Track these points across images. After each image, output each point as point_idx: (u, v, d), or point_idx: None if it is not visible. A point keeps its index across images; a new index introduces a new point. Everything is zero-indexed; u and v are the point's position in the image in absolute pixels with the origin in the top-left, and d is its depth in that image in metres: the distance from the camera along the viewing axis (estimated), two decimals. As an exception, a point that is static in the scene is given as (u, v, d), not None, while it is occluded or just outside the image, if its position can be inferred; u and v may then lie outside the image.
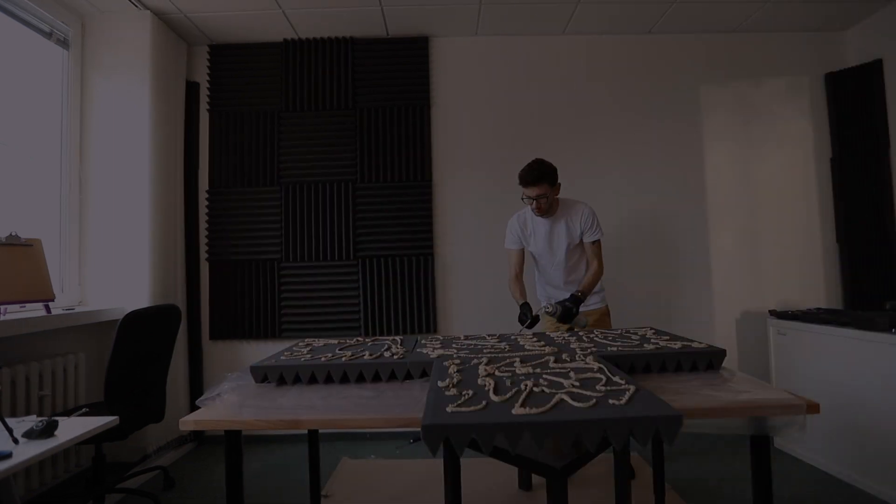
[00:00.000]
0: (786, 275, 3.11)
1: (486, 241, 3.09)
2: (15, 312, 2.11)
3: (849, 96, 3.05)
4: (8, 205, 2.29)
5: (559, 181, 2.23)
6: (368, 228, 3.09)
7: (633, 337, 1.74)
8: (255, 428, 1.18)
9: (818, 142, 3.15)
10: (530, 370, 1.31)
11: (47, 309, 2.20)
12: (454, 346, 1.70)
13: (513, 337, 1.87)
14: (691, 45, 3.17)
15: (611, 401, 1.02)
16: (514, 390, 1.13)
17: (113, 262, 2.64)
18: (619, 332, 1.89)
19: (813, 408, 1.12)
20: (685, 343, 1.57)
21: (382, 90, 3.14)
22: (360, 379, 1.44)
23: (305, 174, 3.11)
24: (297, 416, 1.18)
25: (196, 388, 3.01)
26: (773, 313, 2.77)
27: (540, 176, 2.14)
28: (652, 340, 1.63)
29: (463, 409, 1.02)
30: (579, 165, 3.12)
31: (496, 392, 1.12)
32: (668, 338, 1.68)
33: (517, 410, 0.99)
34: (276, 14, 2.85)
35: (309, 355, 1.58)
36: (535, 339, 1.81)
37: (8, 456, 1.14)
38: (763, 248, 3.12)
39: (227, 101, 3.14)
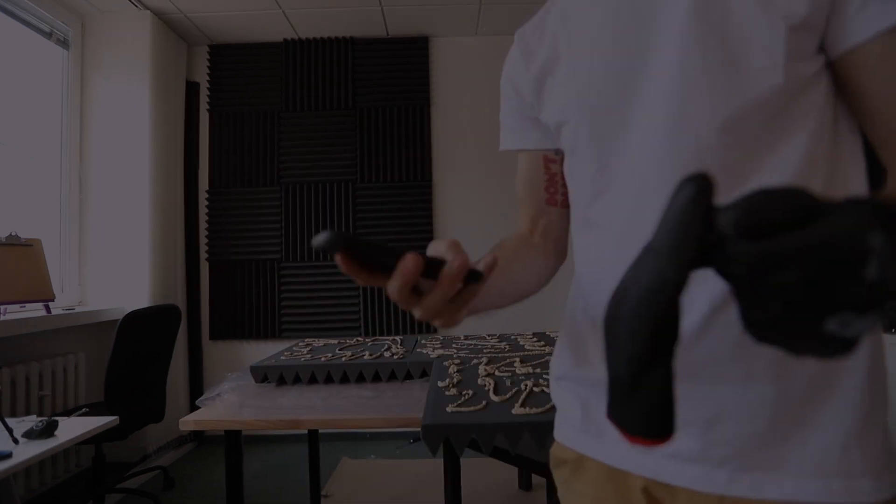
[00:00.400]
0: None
1: (486, 241, 3.07)
2: (15, 312, 2.11)
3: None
4: (8, 205, 2.29)
5: None
6: (369, 228, 3.09)
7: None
8: (255, 428, 1.19)
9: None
10: (530, 370, 1.31)
11: (47, 309, 2.20)
12: (454, 346, 1.70)
13: (513, 337, 1.88)
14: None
15: (611, 401, 1.02)
16: (514, 390, 1.13)
17: (113, 262, 2.64)
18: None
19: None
20: (685, 343, 1.57)
21: (382, 90, 3.14)
22: (360, 379, 1.44)
23: (305, 174, 3.11)
24: (297, 416, 1.18)
25: (196, 388, 3.01)
26: (773, 313, 2.75)
27: None
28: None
29: (463, 409, 1.02)
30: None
31: (496, 392, 1.12)
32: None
33: (517, 410, 1.00)
34: (276, 14, 2.85)
35: (309, 355, 1.58)
36: (534, 339, 1.81)
37: (8, 456, 1.14)
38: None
39: (227, 101, 3.14)
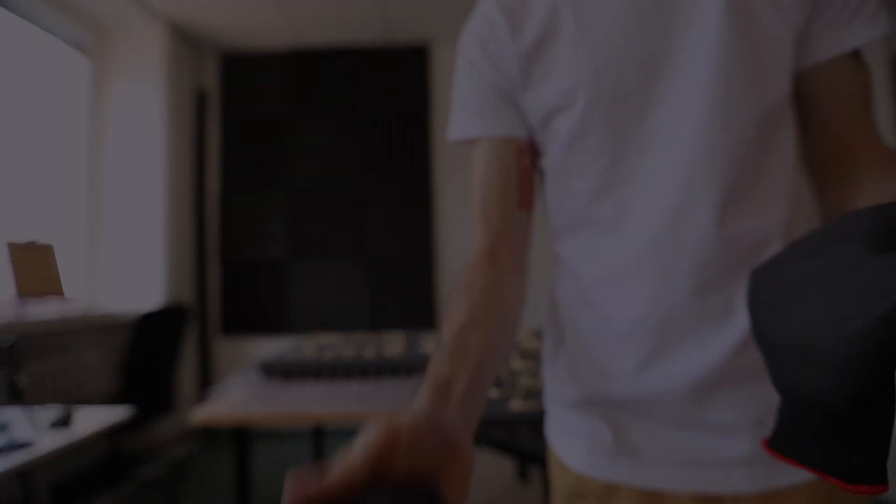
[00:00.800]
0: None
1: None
2: (34, 314, 2.18)
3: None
4: (27, 206, 2.35)
5: None
6: (371, 228, 3.15)
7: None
8: (263, 422, 1.23)
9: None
10: (527, 365, 1.35)
11: (64, 310, 2.27)
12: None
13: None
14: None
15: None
16: (511, 385, 1.16)
17: (127, 263, 2.71)
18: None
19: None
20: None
21: (384, 96, 3.19)
22: (365, 374, 1.49)
23: (311, 177, 3.17)
24: (303, 410, 1.23)
25: (207, 383, 3.07)
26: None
27: None
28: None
29: (461, 402, 1.05)
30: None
31: (494, 387, 1.16)
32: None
33: (514, 405, 1.03)
34: (285, 25, 2.91)
35: (315, 351, 1.63)
36: (533, 335, 1.84)
37: (29, 445, 1.20)
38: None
39: (236, 107, 3.21)
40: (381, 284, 3.12)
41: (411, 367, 1.50)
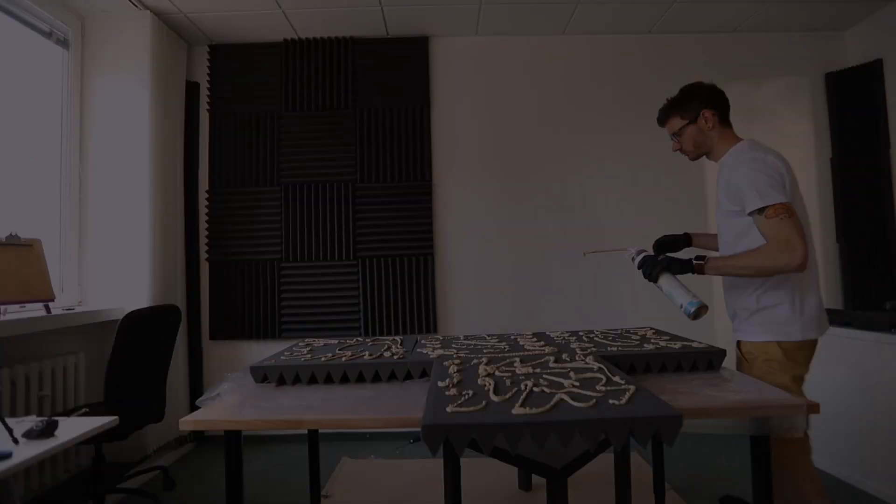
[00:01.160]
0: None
1: (487, 241, 3.09)
2: (15, 312, 2.11)
3: (849, 96, 3.06)
4: (8, 205, 2.29)
5: (712, 109, 1.61)
6: (368, 228, 3.09)
7: (633, 337, 1.74)
8: (255, 428, 1.19)
9: (818, 141, 3.15)
10: (530, 370, 1.31)
11: (47, 309, 2.20)
12: (454, 346, 1.70)
13: (513, 337, 1.87)
14: (691, 46, 3.18)
15: (611, 401, 1.02)
16: (513, 390, 1.13)
17: (113, 262, 2.64)
18: (619, 331, 1.90)
19: (813, 408, 1.12)
20: (685, 343, 1.57)
21: (382, 90, 3.14)
22: (360, 379, 1.44)
23: (305, 174, 3.11)
24: (297, 416, 1.18)
25: (196, 388, 3.01)
26: (773, 313, 2.76)
27: (668, 109, 1.71)
28: (652, 340, 1.63)
29: (463, 409, 1.02)
30: (579, 166, 3.13)
31: (496, 392, 1.12)
32: (668, 338, 1.68)
33: (517, 410, 0.99)
34: (276, 14, 2.85)
35: (309, 355, 1.58)
36: (534, 339, 1.81)
37: (8, 456, 1.14)
38: (763, 248, 3.12)
39: (227, 100, 3.14)
40: (378, 286, 3.07)
41: (408, 372, 1.46)
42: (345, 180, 3.10)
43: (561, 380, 1.20)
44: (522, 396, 1.07)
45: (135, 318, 2.01)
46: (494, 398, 1.08)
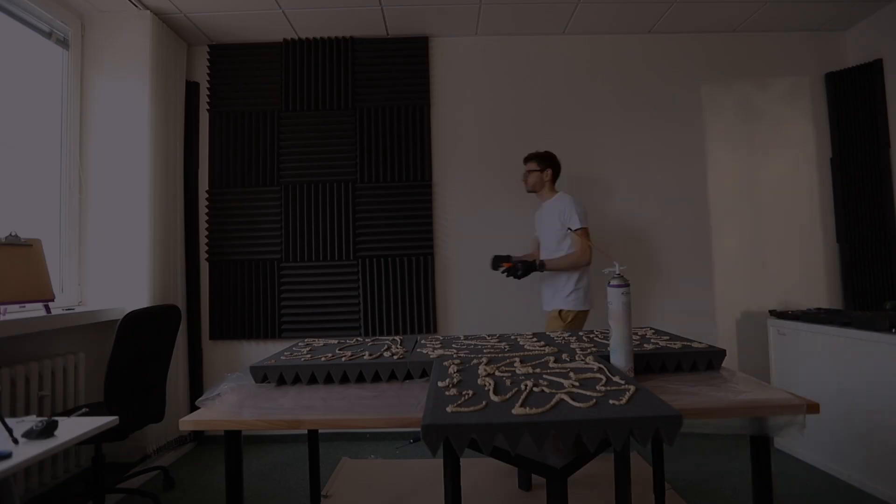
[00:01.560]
0: (786, 275, 3.11)
1: (486, 241, 3.09)
2: (15, 312, 2.11)
3: (849, 96, 3.05)
4: (8, 205, 2.29)
5: (552, 171, 2.61)
6: (368, 228, 3.09)
7: (633, 337, 1.74)
8: (255, 428, 1.18)
9: (818, 141, 3.15)
10: (530, 370, 1.31)
11: (47, 309, 2.20)
12: (454, 346, 1.70)
13: (513, 337, 1.87)
14: (691, 45, 3.18)
15: (611, 401, 1.02)
16: (514, 390, 1.13)
17: (113, 262, 2.64)
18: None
19: (813, 408, 1.12)
20: (685, 343, 1.57)
21: (382, 90, 3.14)
22: (360, 379, 1.44)
23: (305, 174, 3.11)
24: (297, 416, 1.18)
25: (196, 388, 3.01)
26: (774, 313, 2.77)
27: (534, 156, 2.64)
28: (652, 340, 1.63)
29: (463, 409, 1.02)
30: (580, 165, 3.13)
31: (496, 392, 1.12)
32: (667, 338, 1.68)
33: (517, 410, 0.99)
34: (276, 14, 2.85)
35: (309, 355, 1.58)
36: (535, 339, 1.81)
37: (8, 456, 1.14)
38: (763, 247, 3.13)
39: (227, 101, 3.14)
40: (378, 286, 3.07)
41: (407, 372, 1.46)
42: (345, 180, 3.10)
43: (561, 380, 1.20)
44: (522, 396, 1.07)
45: (135, 318, 2.01)
46: (494, 398, 1.08)
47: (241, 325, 3.06)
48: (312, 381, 1.44)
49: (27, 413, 2.03)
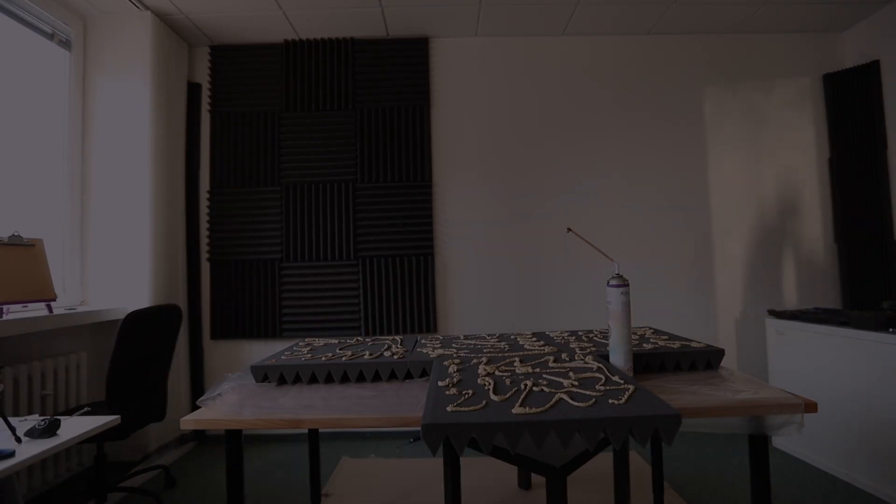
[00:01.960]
0: (784, 274, 3.12)
1: (486, 241, 3.10)
2: (17, 312, 2.12)
3: (847, 97, 3.06)
4: (11, 205, 2.30)
5: None
6: (368, 228, 3.10)
7: (632, 336, 1.75)
8: (255, 427, 1.19)
9: (816, 142, 3.16)
10: (530, 370, 1.32)
11: (49, 309, 2.21)
12: (454, 345, 1.71)
13: (512, 337, 1.88)
14: (690, 46, 3.18)
15: (610, 400, 1.03)
16: (513, 390, 1.14)
17: (114, 262, 2.65)
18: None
19: (811, 407, 1.13)
20: (684, 343, 1.58)
21: (382, 91, 3.14)
22: (361, 378, 1.45)
23: (306, 174, 3.12)
24: (297, 416, 1.19)
25: (197, 388, 3.01)
26: (772, 313, 2.78)
27: None
28: (651, 340, 1.64)
29: (463, 408, 1.02)
30: (580, 165, 3.14)
31: (496, 392, 1.13)
32: (666, 337, 1.69)
33: (517, 410, 1.00)
34: (277, 15, 2.85)
35: (309, 355, 1.59)
36: (534, 338, 1.82)
37: (11, 455, 1.15)
38: (762, 246, 3.13)
39: (228, 101, 3.15)
40: (378, 286, 3.07)
41: (407, 371, 1.47)
42: (345, 180, 3.11)
43: (560, 379, 1.21)
44: (522, 396, 1.08)
45: (136, 317, 2.02)
46: (494, 398, 1.09)
47: (242, 325, 3.07)
48: (313, 380, 1.45)
49: (30, 412, 2.04)
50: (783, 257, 3.12)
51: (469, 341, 1.80)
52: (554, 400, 1.05)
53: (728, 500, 2.14)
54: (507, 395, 1.10)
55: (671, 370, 1.45)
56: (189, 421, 1.20)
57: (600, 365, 1.32)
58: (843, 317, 2.39)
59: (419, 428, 0.97)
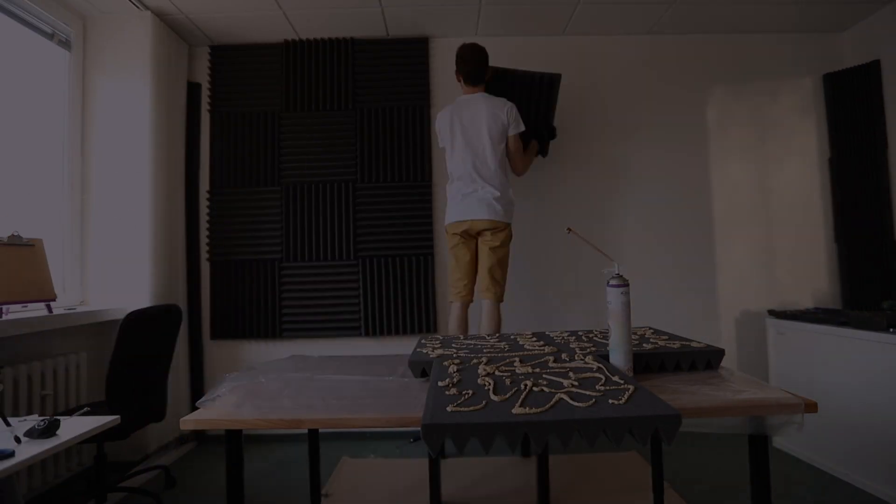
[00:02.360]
0: (784, 274, 3.12)
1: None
2: (17, 312, 2.12)
3: (847, 97, 3.06)
4: (10, 205, 2.30)
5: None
6: (368, 228, 3.10)
7: (632, 336, 1.74)
8: (255, 427, 1.19)
9: (817, 142, 3.16)
10: (530, 370, 1.32)
11: (49, 309, 2.21)
12: (454, 345, 1.71)
13: (512, 337, 1.88)
14: (689, 46, 3.18)
15: (610, 400, 1.03)
16: (513, 390, 1.14)
17: (114, 262, 2.64)
18: (618, 331, 1.90)
19: (811, 407, 1.13)
20: (684, 343, 1.58)
21: (382, 91, 3.14)
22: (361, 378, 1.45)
23: (306, 174, 3.12)
24: (297, 416, 1.19)
25: (197, 388, 3.01)
26: (772, 313, 2.78)
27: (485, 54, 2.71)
28: (651, 340, 1.64)
29: (463, 408, 1.02)
30: (580, 165, 3.14)
31: (496, 391, 1.13)
32: (666, 337, 1.69)
33: (517, 410, 1.00)
34: (277, 15, 2.85)
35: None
36: (534, 338, 1.82)
37: (10, 455, 1.15)
38: (762, 247, 3.13)
39: (228, 101, 3.15)
40: (378, 286, 3.07)
41: (409, 371, 1.47)
42: (345, 180, 3.11)
43: (560, 379, 1.21)
44: (522, 396, 1.08)
45: (136, 317, 2.02)
46: (494, 398, 1.09)
47: (243, 325, 3.07)
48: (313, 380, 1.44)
49: (29, 412, 2.04)
50: (783, 257, 3.12)
51: (469, 341, 1.80)
52: (554, 400, 1.05)
53: (728, 500, 2.14)
54: (507, 396, 1.10)
55: (671, 370, 1.45)
56: (189, 421, 1.19)
57: (600, 365, 1.32)
58: (843, 317, 2.39)
59: (419, 428, 0.97)
